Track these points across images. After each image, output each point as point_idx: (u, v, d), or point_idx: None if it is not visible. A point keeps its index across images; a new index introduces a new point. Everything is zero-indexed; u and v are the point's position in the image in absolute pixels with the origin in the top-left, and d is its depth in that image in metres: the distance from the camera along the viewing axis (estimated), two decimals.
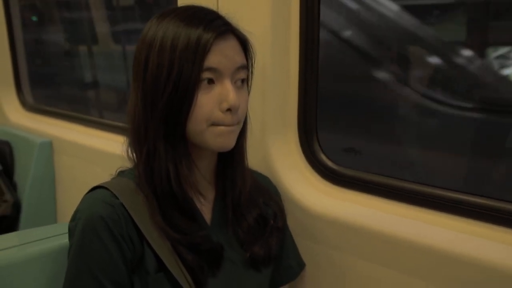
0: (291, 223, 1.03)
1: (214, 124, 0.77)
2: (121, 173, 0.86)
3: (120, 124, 1.76)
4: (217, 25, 0.75)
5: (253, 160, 0.96)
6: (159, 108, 0.75)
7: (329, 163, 1.10)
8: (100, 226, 0.73)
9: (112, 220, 0.74)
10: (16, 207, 1.98)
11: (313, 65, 1.07)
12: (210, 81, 0.76)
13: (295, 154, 1.14)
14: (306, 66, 1.08)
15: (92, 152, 1.75)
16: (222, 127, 0.77)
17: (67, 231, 0.80)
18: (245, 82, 0.83)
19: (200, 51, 0.73)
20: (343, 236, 0.99)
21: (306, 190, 1.09)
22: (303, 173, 1.12)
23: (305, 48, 1.07)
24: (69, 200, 1.96)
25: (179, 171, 0.78)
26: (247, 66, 0.82)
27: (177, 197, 0.78)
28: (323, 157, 1.10)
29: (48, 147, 2.00)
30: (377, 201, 1.02)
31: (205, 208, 0.87)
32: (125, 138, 0.84)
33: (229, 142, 0.79)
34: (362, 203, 1.03)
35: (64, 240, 0.89)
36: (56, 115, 2.19)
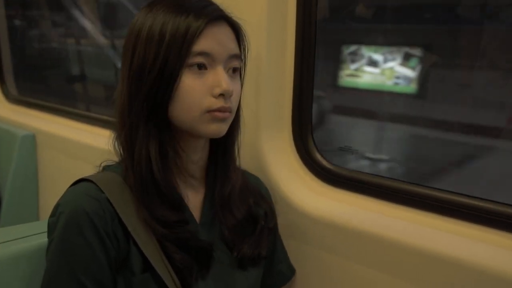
0: (283, 224, 0.99)
1: (209, 111, 0.74)
2: (106, 167, 0.82)
3: (106, 118, 1.71)
4: (209, 11, 0.73)
5: (245, 157, 0.93)
6: (142, 93, 0.73)
7: (324, 162, 1.06)
8: (84, 221, 0.69)
9: (97, 215, 0.70)
10: None
11: (310, 58, 1.04)
12: (202, 67, 0.73)
13: (289, 151, 1.10)
14: (303, 59, 1.04)
15: (77, 146, 1.70)
16: (216, 113, 0.74)
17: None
18: (238, 72, 0.80)
19: (189, 36, 0.71)
20: (337, 238, 0.96)
21: (299, 189, 1.05)
22: (297, 172, 1.09)
23: (302, 40, 1.03)
24: (52, 196, 1.88)
25: (163, 154, 0.75)
26: (240, 56, 0.79)
27: (160, 184, 0.74)
28: (318, 156, 1.07)
29: (31, 140, 1.93)
30: (372, 202, 1.00)
31: (195, 204, 0.84)
32: (111, 132, 0.80)
33: (221, 128, 0.76)
34: (357, 204, 1.00)
35: (46, 238, 0.84)
36: (40, 107, 2.14)
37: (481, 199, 0.87)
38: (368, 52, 2.84)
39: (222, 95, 0.73)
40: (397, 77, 2.63)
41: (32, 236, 0.94)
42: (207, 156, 0.85)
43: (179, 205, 0.77)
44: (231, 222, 0.84)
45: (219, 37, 0.74)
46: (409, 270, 0.87)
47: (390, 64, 2.68)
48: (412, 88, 2.57)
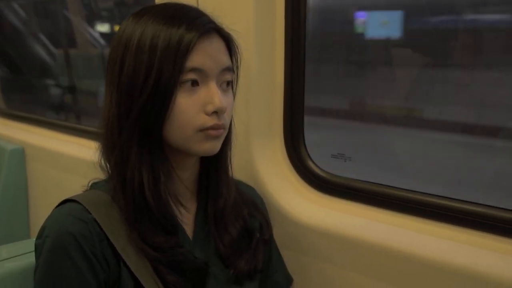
0: (277, 234, 0.97)
1: (202, 129, 0.71)
2: (94, 185, 0.79)
3: (95, 130, 1.67)
4: (201, 24, 0.70)
5: (237, 167, 0.91)
6: (134, 112, 0.69)
7: (317, 170, 1.05)
8: (70, 244, 0.67)
9: (83, 237, 0.68)
10: None
11: (300, 66, 1.02)
12: (194, 83, 0.70)
13: (281, 161, 1.09)
14: (293, 67, 1.03)
15: (67, 159, 1.67)
16: (210, 131, 0.72)
17: None
18: (230, 85, 0.78)
19: (181, 51, 0.67)
20: (333, 248, 0.95)
21: (293, 199, 1.04)
22: (290, 181, 1.07)
23: (291, 47, 1.02)
24: (43, 211, 1.85)
25: (156, 179, 0.72)
26: (232, 68, 0.77)
27: (153, 209, 0.72)
28: (311, 164, 1.06)
29: (19, 154, 1.90)
30: (369, 210, 0.98)
31: (187, 220, 0.81)
32: (98, 146, 0.77)
33: (214, 147, 0.74)
34: (353, 213, 0.99)
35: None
36: (29, 120, 2.11)
37: (480, 204, 0.86)
38: None
39: (215, 112, 0.71)
40: None
41: (23, 255, 0.92)
42: (198, 170, 0.83)
43: (172, 228, 0.75)
44: (226, 238, 0.82)
45: (211, 52, 0.71)
46: (406, 278, 0.85)
47: None
48: None
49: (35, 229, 1.91)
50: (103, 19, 3.11)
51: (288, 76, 1.04)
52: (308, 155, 1.06)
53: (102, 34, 2.98)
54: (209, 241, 0.82)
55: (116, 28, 0.81)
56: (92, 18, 2.96)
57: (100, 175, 0.80)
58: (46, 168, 1.82)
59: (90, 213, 0.70)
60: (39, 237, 0.71)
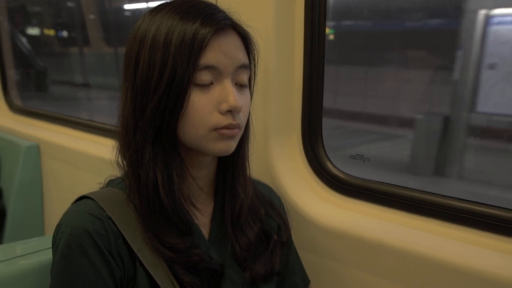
0: (295, 235, 0.96)
1: (216, 129, 0.70)
2: (110, 182, 0.79)
3: (112, 127, 1.67)
4: (216, 19, 0.68)
5: (254, 167, 0.89)
6: (149, 111, 0.68)
7: (335, 171, 1.03)
8: (86, 241, 0.66)
9: (98, 234, 0.67)
10: (1, 214, 1.90)
11: (319, 65, 1.01)
12: (208, 81, 0.69)
13: (299, 161, 1.07)
14: (312, 65, 1.01)
15: (82, 156, 1.68)
16: (224, 131, 0.70)
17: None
18: (247, 83, 0.75)
19: (195, 48, 0.66)
20: (351, 250, 0.93)
21: (311, 200, 1.02)
22: (308, 182, 1.06)
23: (311, 45, 1.01)
24: (58, 207, 1.87)
25: (170, 179, 0.71)
26: (249, 65, 0.75)
27: (167, 209, 0.71)
28: (329, 165, 1.04)
29: (35, 151, 1.91)
30: (387, 212, 0.96)
31: (203, 221, 0.80)
32: (115, 143, 0.77)
33: (229, 147, 0.72)
34: (371, 214, 0.97)
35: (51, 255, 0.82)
36: (44, 117, 2.12)
37: (500, 208, 0.84)
38: None
39: (230, 111, 0.69)
40: None
41: (38, 252, 0.92)
42: (215, 170, 0.82)
43: (187, 229, 0.74)
44: (242, 241, 0.80)
45: (226, 48, 0.69)
46: (425, 281, 0.84)
47: None
48: None
49: (49, 224, 1.92)
50: None
51: (307, 75, 1.03)
52: (327, 156, 1.05)
53: None
54: (225, 243, 0.80)
55: None
56: None
57: (115, 172, 0.79)
58: (61, 164, 1.83)
59: (105, 211, 0.69)
60: (55, 233, 0.70)
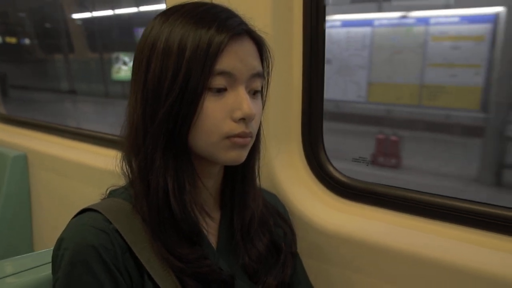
0: (299, 242, 0.93)
1: (228, 137, 0.68)
2: (112, 193, 0.75)
3: (103, 135, 1.63)
4: (232, 25, 0.66)
5: None
6: (160, 116, 0.66)
7: (337, 175, 1.01)
8: (92, 257, 0.63)
9: (105, 249, 0.64)
10: None
11: (318, 66, 0.99)
12: (222, 88, 0.67)
13: (300, 166, 1.05)
14: (311, 68, 0.99)
15: (74, 166, 1.62)
16: (236, 139, 0.68)
17: (45, 262, 0.69)
18: (260, 91, 0.73)
19: (211, 54, 0.64)
20: (356, 255, 0.91)
21: (313, 204, 1.00)
22: (309, 187, 1.03)
23: (310, 48, 0.98)
24: (47, 221, 1.81)
25: (181, 186, 0.68)
26: (263, 73, 0.73)
27: (177, 218, 0.68)
28: (331, 169, 1.02)
29: (22, 161, 1.86)
30: (392, 215, 0.95)
31: (211, 230, 0.77)
32: (119, 151, 0.73)
33: (240, 156, 0.70)
34: (376, 218, 0.96)
35: (43, 272, 0.78)
36: (32, 126, 2.06)
37: (508, 208, 0.82)
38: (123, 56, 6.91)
39: (243, 119, 0.67)
40: None
41: (31, 269, 0.87)
42: (221, 179, 0.79)
43: (197, 239, 0.71)
44: (253, 253, 0.78)
45: (242, 55, 0.67)
46: (433, 284, 0.82)
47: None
48: None
49: (39, 240, 1.85)
50: None
51: (306, 78, 1.00)
52: (328, 159, 1.03)
53: None
54: (235, 255, 0.78)
55: None
56: None
57: (111, 182, 0.76)
58: (51, 175, 1.77)
59: (111, 223, 0.66)
60: (57, 249, 0.67)
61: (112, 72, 7.58)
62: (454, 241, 0.85)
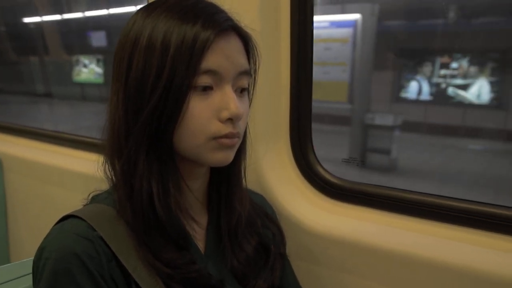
0: (288, 243, 0.91)
1: (215, 138, 0.65)
2: (95, 198, 0.72)
3: (84, 139, 1.58)
4: (218, 21, 0.64)
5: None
6: (143, 116, 0.63)
7: (327, 176, 1.00)
8: (76, 266, 0.60)
9: (89, 257, 0.61)
10: None
11: (307, 66, 0.97)
12: (208, 87, 0.64)
13: (288, 166, 1.03)
14: (299, 68, 0.98)
15: (49, 170, 1.57)
16: (223, 140, 0.65)
17: (24, 273, 0.65)
18: (246, 90, 0.71)
19: (197, 51, 0.61)
20: (347, 256, 0.90)
21: (302, 206, 0.99)
22: (298, 188, 1.02)
23: (298, 47, 0.97)
24: (25, 230, 1.75)
25: (166, 190, 0.65)
26: (249, 71, 0.70)
27: (163, 222, 0.65)
28: (320, 170, 1.00)
29: None
30: (383, 215, 0.94)
31: (198, 234, 0.75)
32: (101, 154, 0.70)
33: (227, 157, 0.68)
34: (366, 219, 0.95)
35: (23, 284, 0.73)
36: (7, 130, 1.99)
37: (498, 206, 0.82)
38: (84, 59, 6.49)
39: (230, 119, 0.65)
40: (96, 73, 6.41)
41: (8, 282, 0.82)
42: (208, 181, 0.77)
43: (184, 243, 0.68)
44: (241, 256, 0.76)
45: (228, 52, 0.64)
46: (425, 284, 0.81)
47: (92, 66, 6.49)
48: (100, 80, 6.36)
49: (16, 250, 1.78)
50: None
51: (295, 77, 0.99)
52: (317, 160, 1.01)
53: None
54: (223, 258, 0.76)
55: None
56: None
57: (94, 186, 0.73)
58: (28, 181, 1.71)
59: (95, 230, 0.63)
60: (38, 258, 0.63)
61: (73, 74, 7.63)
62: (444, 240, 0.85)
